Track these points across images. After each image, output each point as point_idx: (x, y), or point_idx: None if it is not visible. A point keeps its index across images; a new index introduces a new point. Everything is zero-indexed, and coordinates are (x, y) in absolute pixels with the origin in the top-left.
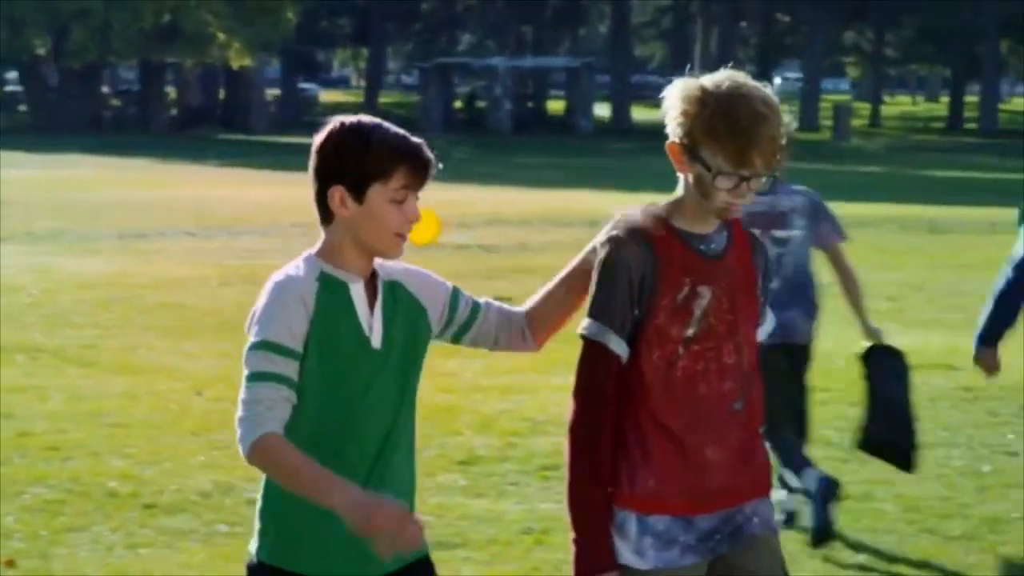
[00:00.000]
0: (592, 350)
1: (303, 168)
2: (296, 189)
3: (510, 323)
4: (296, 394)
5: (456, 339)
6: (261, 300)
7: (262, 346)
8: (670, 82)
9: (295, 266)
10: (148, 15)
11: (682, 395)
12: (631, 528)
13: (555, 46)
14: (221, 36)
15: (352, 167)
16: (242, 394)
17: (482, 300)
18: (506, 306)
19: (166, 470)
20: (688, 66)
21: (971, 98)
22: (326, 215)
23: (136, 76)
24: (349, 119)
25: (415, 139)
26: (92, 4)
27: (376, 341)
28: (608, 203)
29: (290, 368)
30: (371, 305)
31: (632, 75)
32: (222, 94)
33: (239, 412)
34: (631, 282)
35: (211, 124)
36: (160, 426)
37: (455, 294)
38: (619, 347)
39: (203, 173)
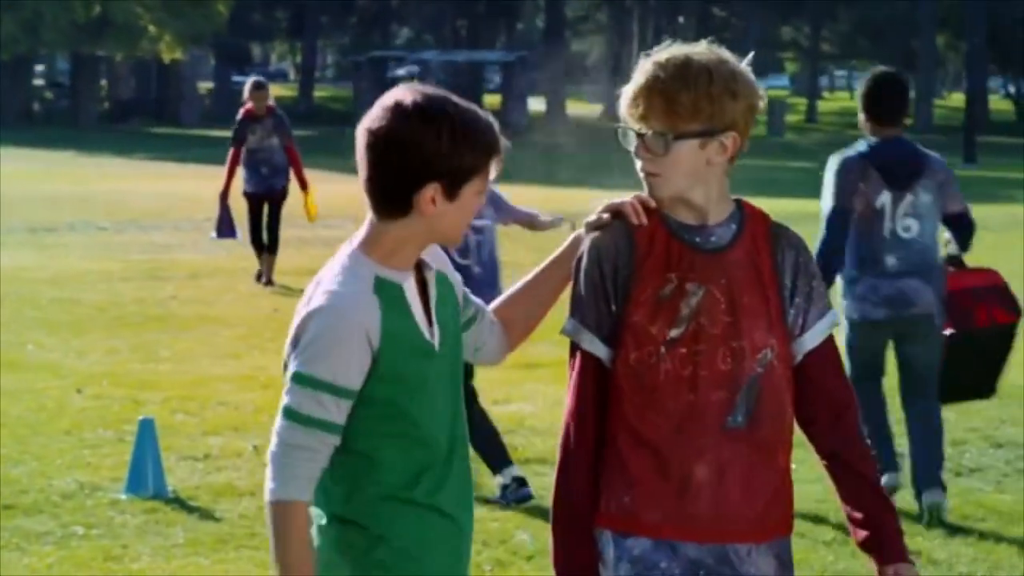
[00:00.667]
0: (571, 350)
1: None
2: (214, 183)
3: (493, 328)
4: (340, 437)
5: None
6: (313, 322)
7: (311, 383)
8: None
9: (345, 275)
10: (79, 7)
11: (664, 403)
12: (609, 551)
13: (492, 41)
14: (152, 29)
15: (455, 164)
16: (281, 430)
17: (478, 302)
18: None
19: (32, 470)
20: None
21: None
22: (398, 210)
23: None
24: (423, 99)
25: (491, 120)
26: None
27: (436, 341)
28: (526, 198)
29: (342, 410)
30: (423, 300)
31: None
32: (154, 88)
33: (275, 449)
34: (603, 274)
35: (143, 118)
36: (33, 425)
37: (464, 290)
38: (593, 346)
39: (128, 167)
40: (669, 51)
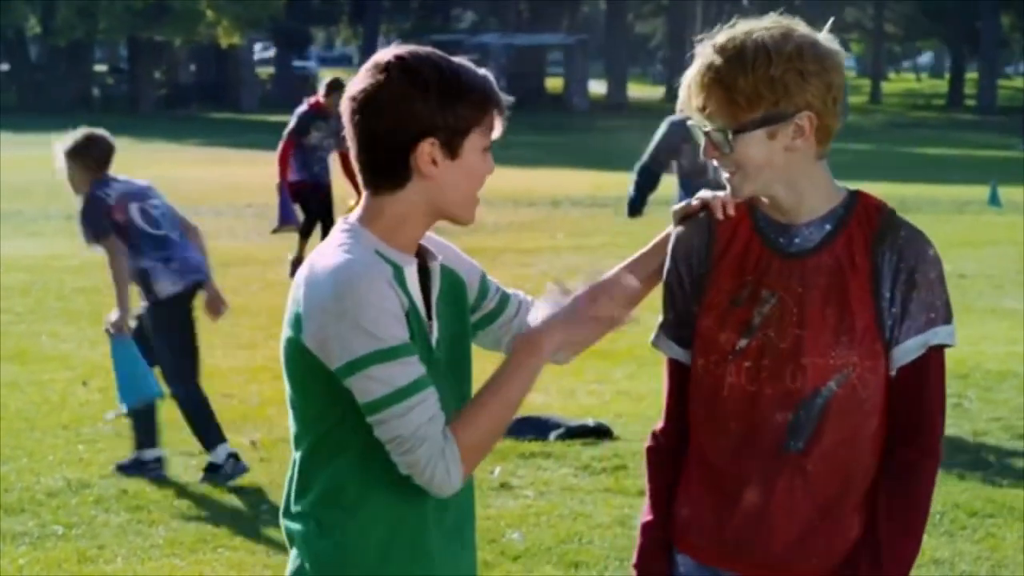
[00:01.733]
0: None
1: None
2: (265, 168)
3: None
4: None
5: (474, 331)
6: (341, 302)
7: (387, 355)
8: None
9: (347, 245)
10: None
11: (726, 419)
12: (671, 560)
13: (555, 24)
14: (210, 14)
15: (448, 116)
16: (393, 425)
17: (512, 292)
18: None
19: (21, 467)
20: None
21: (975, 75)
22: (396, 179)
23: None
24: (406, 53)
25: (486, 74)
26: None
27: (433, 338)
28: (575, 182)
29: (420, 362)
30: (423, 290)
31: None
32: (213, 73)
33: (404, 448)
34: (680, 275)
35: (201, 103)
36: (32, 419)
37: (484, 277)
38: (669, 349)
39: (181, 152)
40: (730, 31)
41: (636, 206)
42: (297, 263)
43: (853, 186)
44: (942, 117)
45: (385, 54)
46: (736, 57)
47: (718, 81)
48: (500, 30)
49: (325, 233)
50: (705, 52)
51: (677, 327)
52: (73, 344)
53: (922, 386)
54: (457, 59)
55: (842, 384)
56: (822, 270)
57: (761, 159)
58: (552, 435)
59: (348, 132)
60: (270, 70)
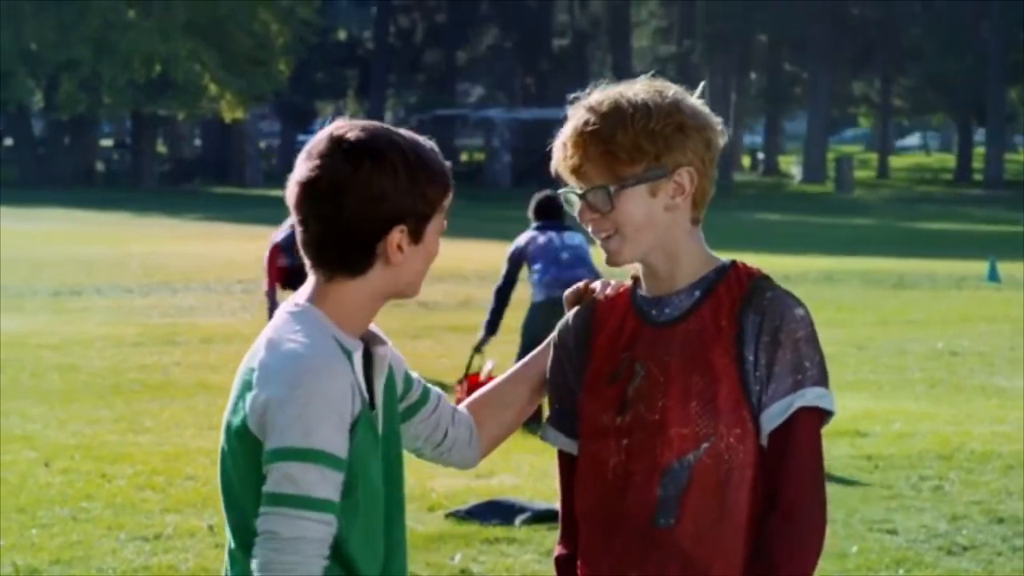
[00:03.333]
0: None
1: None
2: (262, 242)
3: (459, 419)
4: None
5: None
6: (293, 391)
7: (318, 457)
8: None
9: (308, 330)
10: (138, 66)
11: (610, 497)
12: None
13: (561, 99)
14: (213, 88)
15: (417, 200)
16: (280, 520)
17: (431, 387)
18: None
19: None
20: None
21: (982, 149)
22: (357, 265)
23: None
24: (359, 132)
25: (434, 145)
26: (81, 54)
27: (379, 429)
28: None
29: (340, 486)
30: (366, 378)
31: None
32: (217, 147)
33: (274, 546)
34: (560, 358)
35: (204, 178)
36: None
37: (406, 369)
38: (556, 440)
39: (179, 228)
40: (602, 92)
41: (494, 327)
42: None
43: (850, 262)
44: (948, 192)
45: (341, 130)
46: (613, 112)
47: (595, 136)
48: (506, 104)
49: None
50: (578, 113)
51: (562, 416)
52: (40, 424)
53: (788, 450)
54: (402, 130)
55: (706, 453)
56: (689, 337)
57: (642, 218)
58: (518, 520)
59: (300, 214)
60: (276, 144)
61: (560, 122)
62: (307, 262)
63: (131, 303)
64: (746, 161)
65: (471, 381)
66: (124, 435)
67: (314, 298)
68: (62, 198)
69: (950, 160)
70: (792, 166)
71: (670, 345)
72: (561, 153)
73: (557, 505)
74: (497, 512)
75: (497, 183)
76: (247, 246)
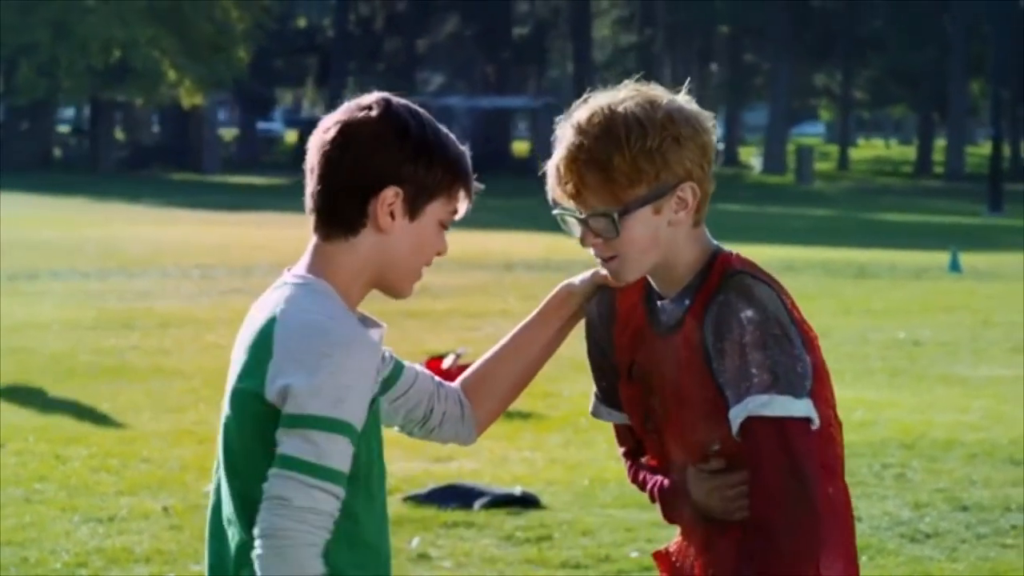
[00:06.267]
0: None
1: (246, 207)
2: (220, 228)
3: (445, 394)
4: None
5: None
6: (320, 357)
7: (344, 429)
8: None
9: (324, 300)
10: (96, 52)
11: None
12: None
13: (522, 88)
14: (171, 74)
15: (419, 171)
16: (294, 487)
17: (406, 363)
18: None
19: None
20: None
21: (943, 141)
22: (347, 224)
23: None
24: (394, 99)
25: (465, 150)
26: (39, 38)
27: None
28: (530, 245)
29: (350, 460)
30: None
31: None
32: (175, 133)
33: (283, 512)
34: (596, 339)
35: (163, 164)
36: None
37: None
38: (610, 416)
39: (137, 212)
40: (588, 107)
41: None
42: None
43: (811, 251)
44: (909, 183)
45: (370, 96)
46: (605, 134)
47: (591, 162)
48: (466, 93)
49: None
50: (567, 134)
51: (610, 393)
52: None
53: (751, 464)
54: (447, 129)
55: (715, 457)
56: (683, 344)
57: (647, 241)
58: (477, 504)
59: (309, 167)
60: (235, 131)
61: (519, 111)
62: (309, 219)
63: (87, 287)
64: None
65: (429, 365)
66: (79, 417)
67: (313, 264)
68: (19, 183)
69: (910, 153)
70: (752, 157)
71: (670, 352)
72: (555, 179)
73: (516, 490)
74: (456, 496)
75: None
76: (204, 231)
